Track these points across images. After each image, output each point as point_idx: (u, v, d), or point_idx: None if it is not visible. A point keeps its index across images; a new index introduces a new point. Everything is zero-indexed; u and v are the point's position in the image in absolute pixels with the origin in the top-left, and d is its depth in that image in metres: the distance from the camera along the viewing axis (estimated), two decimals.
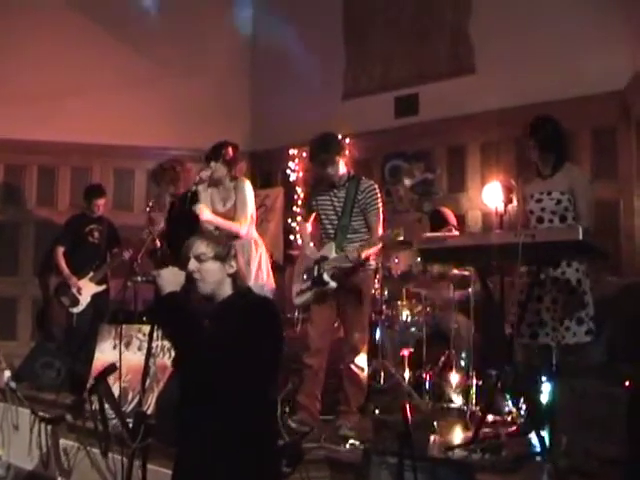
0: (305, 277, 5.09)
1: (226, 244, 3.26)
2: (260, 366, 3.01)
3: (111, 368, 5.08)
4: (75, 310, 7.21)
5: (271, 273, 5.60)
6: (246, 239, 5.42)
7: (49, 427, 5.36)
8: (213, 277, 3.15)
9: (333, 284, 4.94)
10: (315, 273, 4.99)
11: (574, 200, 4.71)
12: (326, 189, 5.15)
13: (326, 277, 4.94)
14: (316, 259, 5.03)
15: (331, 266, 4.96)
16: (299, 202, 8.18)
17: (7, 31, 8.36)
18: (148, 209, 6.46)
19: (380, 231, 5.03)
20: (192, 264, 3.15)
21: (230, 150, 5.48)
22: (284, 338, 3.25)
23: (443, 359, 5.83)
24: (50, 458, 5.30)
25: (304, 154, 8.31)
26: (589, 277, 4.70)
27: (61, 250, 7.38)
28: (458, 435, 4.79)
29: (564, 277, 4.62)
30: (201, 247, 3.17)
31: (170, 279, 3.09)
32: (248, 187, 5.54)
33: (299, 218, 5.07)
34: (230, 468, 2.96)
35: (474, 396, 5.30)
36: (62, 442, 5.22)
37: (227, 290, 3.19)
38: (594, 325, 4.63)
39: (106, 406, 4.85)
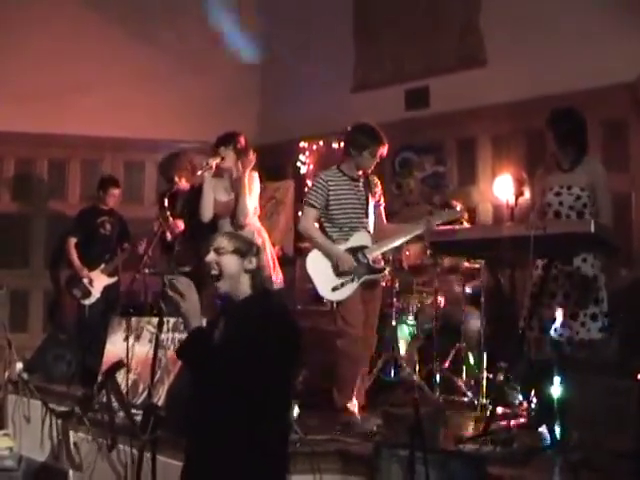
0: (339, 271, 4.78)
1: (248, 242, 3.30)
2: (271, 378, 2.99)
3: (119, 365, 5.11)
4: (87, 302, 7.22)
5: (277, 267, 5.45)
6: (249, 229, 5.30)
7: (59, 420, 5.38)
8: (230, 270, 3.14)
9: (388, 269, 4.92)
10: (358, 263, 4.79)
11: (594, 196, 4.58)
12: (347, 182, 4.96)
13: (377, 265, 4.88)
14: (350, 250, 4.82)
15: (389, 248, 4.96)
16: None
17: (18, 26, 8.37)
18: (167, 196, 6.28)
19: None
20: (210, 256, 3.17)
21: (242, 139, 5.43)
22: (301, 349, 3.18)
23: (454, 352, 5.83)
24: (61, 450, 5.33)
25: (314, 147, 8.31)
26: (604, 273, 4.61)
27: (73, 241, 7.39)
28: (469, 428, 4.78)
29: (579, 272, 4.54)
30: (223, 242, 3.20)
31: (192, 304, 3.05)
32: (257, 180, 5.50)
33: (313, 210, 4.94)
34: (233, 467, 2.96)
35: (485, 389, 5.30)
36: (72, 435, 5.24)
37: (245, 289, 3.17)
38: (607, 321, 4.58)
39: (113, 400, 4.88)
